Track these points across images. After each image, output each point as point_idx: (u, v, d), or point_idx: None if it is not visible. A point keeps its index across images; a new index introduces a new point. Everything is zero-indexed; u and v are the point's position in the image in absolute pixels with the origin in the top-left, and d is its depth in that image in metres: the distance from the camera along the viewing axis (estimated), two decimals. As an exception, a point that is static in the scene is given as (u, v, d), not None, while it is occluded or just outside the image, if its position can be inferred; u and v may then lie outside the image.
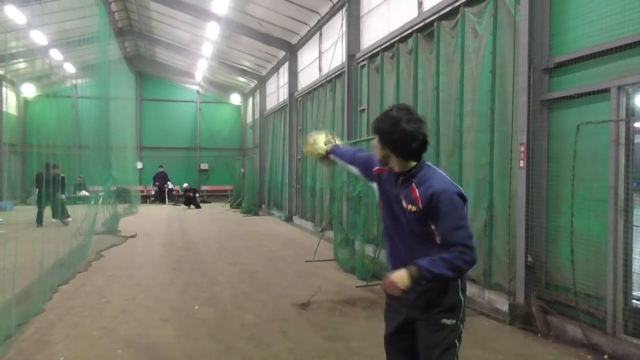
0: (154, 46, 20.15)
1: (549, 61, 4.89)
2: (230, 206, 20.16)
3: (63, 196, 12.26)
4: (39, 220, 11.66)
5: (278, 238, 11.33)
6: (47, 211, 11.94)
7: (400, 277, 2.12)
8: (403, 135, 2.16)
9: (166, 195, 22.29)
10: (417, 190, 2.21)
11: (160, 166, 22.62)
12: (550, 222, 4.93)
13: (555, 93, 4.85)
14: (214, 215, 17.01)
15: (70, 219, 12.28)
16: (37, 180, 11.83)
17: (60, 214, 12.08)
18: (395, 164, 2.27)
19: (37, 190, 12.57)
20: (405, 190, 2.25)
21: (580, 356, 4.18)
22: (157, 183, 22.68)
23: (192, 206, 20.14)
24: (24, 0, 12.38)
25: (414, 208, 2.21)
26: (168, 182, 22.53)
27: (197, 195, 21.23)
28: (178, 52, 19.58)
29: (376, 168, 2.45)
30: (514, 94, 5.26)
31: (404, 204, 2.25)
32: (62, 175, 12.05)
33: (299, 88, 14.50)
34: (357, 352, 4.20)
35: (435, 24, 6.84)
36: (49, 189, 11.04)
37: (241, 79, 21.83)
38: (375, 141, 2.29)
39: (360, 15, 9.91)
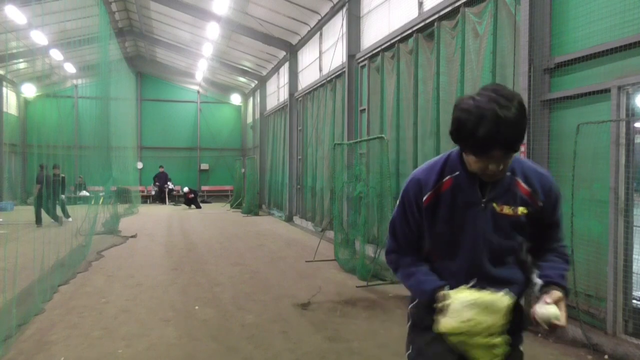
0: (154, 46, 20.16)
1: (549, 61, 4.89)
2: (231, 206, 20.17)
3: (63, 196, 12.27)
4: (38, 220, 11.67)
5: (278, 238, 11.33)
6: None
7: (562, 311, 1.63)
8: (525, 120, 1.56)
9: (167, 196, 22.32)
10: (525, 185, 1.66)
11: (161, 166, 22.64)
12: (550, 222, 4.92)
13: (556, 93, 4.86)
14: (215, 216, 17.01)
15: (70, 219, 12.31)
16: (38, 180, 11.81)
17: (54, 213, 12.09)
18: (508, 165, 1.61)
19: (36, 190, 12.58)
20: (504, 191, 1.65)
21: (581, 356, 4.18)
22: (157, 183, 22.72)
23: (192, 206, 20.19)
24: (24, 0, 12.39)
25: (524, 210, 1.65)
26: (168, 183, 22.55)
27: (196, 195, 21.30)
28: (178, 52, 19.59)
29: (426, 195, 1.70)
30: (514, 94, 5.26)
31: (505, 210, 1.65)
32: (63, 175, 12.06)
33: (300, 88, 14.51)
34: (358, 352, 4.20)
35: (436, 24, 6.84)
36: (48, 189, 11.08)
37: (241, 79, 21.84)
38: (498, 162, 1.55)
39: (361, 15, 9.91)
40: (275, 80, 17.83)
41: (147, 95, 24.03)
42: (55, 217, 11.98)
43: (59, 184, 12.00)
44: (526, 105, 5.13)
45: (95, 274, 7.19)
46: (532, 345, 4.44)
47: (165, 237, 11.27)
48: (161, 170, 22.47)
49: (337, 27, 10.88)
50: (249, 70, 19.66)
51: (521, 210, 1.65)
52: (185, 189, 20.84)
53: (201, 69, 20.73)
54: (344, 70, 10.35)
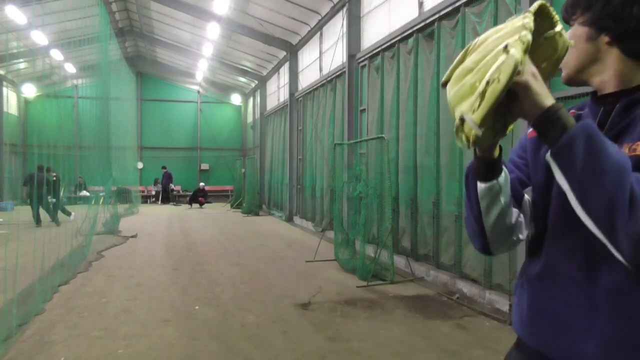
0: (155, 46, 20.17)
1: (549, 61, 4.88)
2: (231, 206, 20.19)
3: (53, 199, 12.23)
4: (37, 220, 11.67)
5: (279, 238, 11.33)
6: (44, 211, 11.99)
7: None
8: None
9: (169, 195, 22.40)
10: None
11: (164, 167, 22.52)
12: (551, 222, 4.91)
13: (556, 93, 4.84)
14: (215, 216, 17.01)
15: (71, 217, 12.32)
16: (35, 181, 11.71)
17: (54, 214, 12.10)
18: (612, 74, 1.11)
19: (27, 190, 12.61)
20: (635, 129, 1.04)
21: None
22: (158, 182, 22.74)
23: (194, 205, 20.40)
24: (24, 0, 12.39)
25: None
26: (171, 185, 22.66)
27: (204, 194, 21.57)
28: (179, 52, 19.61)
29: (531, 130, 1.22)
30: (514, 94, 5.25)
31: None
32: (54, 175, 12.01)
33: (300, 88, 14.51)
34: (358, 353, 4.20)
35: (436, 24, 6.84)
36: (41, 190, 11.10)
37: (242, 79, 21.85)
38: (572, 31, 1.16)
39: (361, 15, 9.92)
40: (276, 80, 17.84)
41: (147, 95, 24.04)
42: (54, 218, 11.98)
43: (51, 186, 11.96)
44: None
45: (96, 274, 7.19)
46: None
47: (165, 237, 11.28)
48: (164, 171, 22.40)
49: (338, 27, 10.88)
50: (249, 70, 19.66)
51: None
52: (201, 184, 21.62)
53: (201, 69, 20.74)
54: (344, 70, 10.35)
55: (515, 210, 1.22)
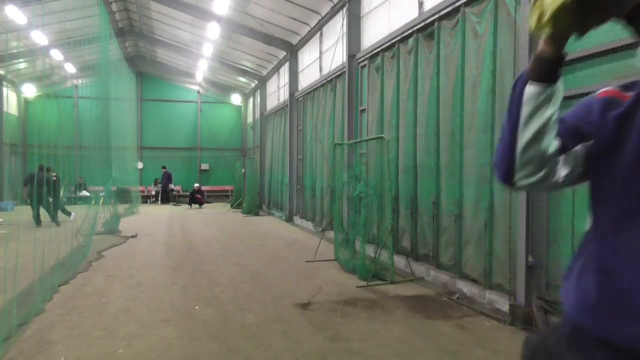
0: (155, 46, 20.17)
1: (549, 61, 4.88)
2: (231, 206, 20.20)
3: (51, 198, 12.25)
4: (37, 220, 11.67)
5: (279, 238, 11.33)
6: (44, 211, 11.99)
7: None
8: None
9: (169, 195, 22.40)
10: None
11: (163, 167, 22.56)
12: (551, 222, 4.92)
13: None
14: (215, 216, 17.01)
15: (71, 217, 12.31)
16: (35, 181, 11.67)
17: (54, 214, 12.11)
18: None
19: (28, 190, 12.63)
20: None
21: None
22: (158, 182, 22.74)
23: (193, 205, 20.35)
24: (24, 0, 12.39)
25: None
26: (171, 185, 22.65)
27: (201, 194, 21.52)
28: (179, 52, 19.61)
29: (606, 90, 1.24)
30: (514, 94, 5.25)
31: None
32: (54, 175, 12.01)
33: (300, 88, 14.51)
34: (358, 353, 4.20)
35: (436, 24, 6.84)
36: (44, 190, 11.10)
37: (242, 79, 21.85)
38: None
39: (361, 15, 9.92)
40: (276, 80, 17.84)
41: (148, 95, 24.04)
42: (54, 218, 11.99)
43: (51, 186, 11.97)
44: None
45: (96, 274, 7.19)
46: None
47: (165, 237, 11.27)
48: (164, 171, 22.43)
49: (338, 27, 10.88)
50: (249, 70, 19.66)
51: None
52: (196, 185, 21.41)
53: (201, 69, 20.74)
54: (344, 70, 10.35)
55: (556, 142, 1.12)
